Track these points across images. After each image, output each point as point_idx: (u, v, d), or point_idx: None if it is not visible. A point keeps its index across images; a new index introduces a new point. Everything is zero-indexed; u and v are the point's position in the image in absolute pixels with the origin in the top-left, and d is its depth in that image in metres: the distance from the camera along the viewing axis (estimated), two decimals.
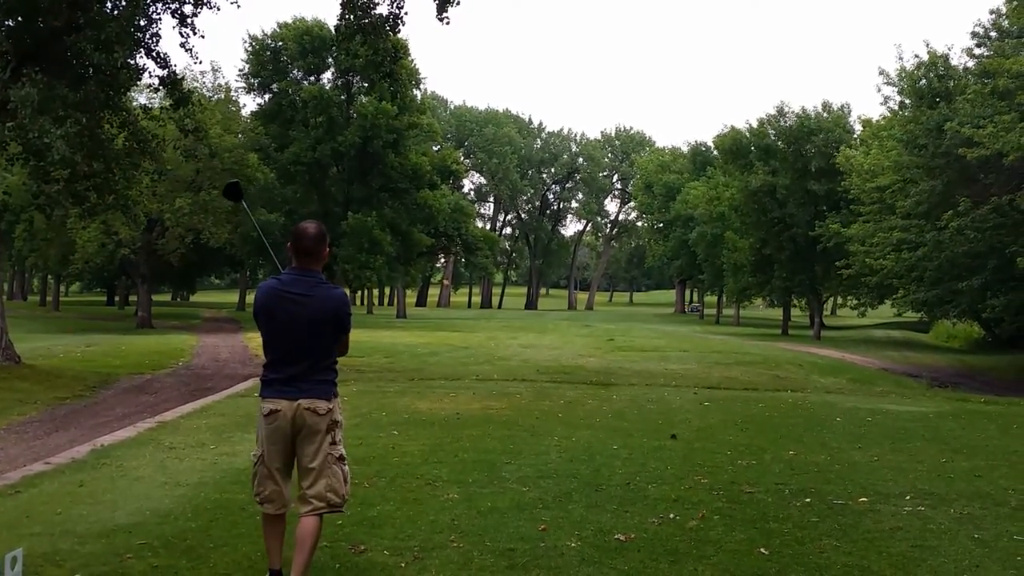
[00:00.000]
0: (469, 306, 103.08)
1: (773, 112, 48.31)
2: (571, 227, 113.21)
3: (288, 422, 4.83)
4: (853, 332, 54.85)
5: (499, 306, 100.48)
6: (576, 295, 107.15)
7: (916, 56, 32.17)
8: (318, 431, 4.87)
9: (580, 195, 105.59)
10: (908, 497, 7.36)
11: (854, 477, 8.10)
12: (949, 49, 39.26)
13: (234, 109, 47.93)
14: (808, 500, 7.10)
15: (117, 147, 19.01)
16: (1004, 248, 26.49)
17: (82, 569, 5.27)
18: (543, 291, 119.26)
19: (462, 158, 72.50)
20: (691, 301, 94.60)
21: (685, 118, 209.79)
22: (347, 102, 50.81)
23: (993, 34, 32.91)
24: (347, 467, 5.06)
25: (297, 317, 4.83)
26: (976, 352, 40.94)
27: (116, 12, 17.25)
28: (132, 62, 18.02)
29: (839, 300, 62.96)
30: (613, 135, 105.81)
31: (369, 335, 34.28)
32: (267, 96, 52.00)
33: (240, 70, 51.71)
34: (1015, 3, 29.87)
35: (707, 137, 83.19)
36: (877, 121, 40.86)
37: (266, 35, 51.49)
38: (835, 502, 7.11)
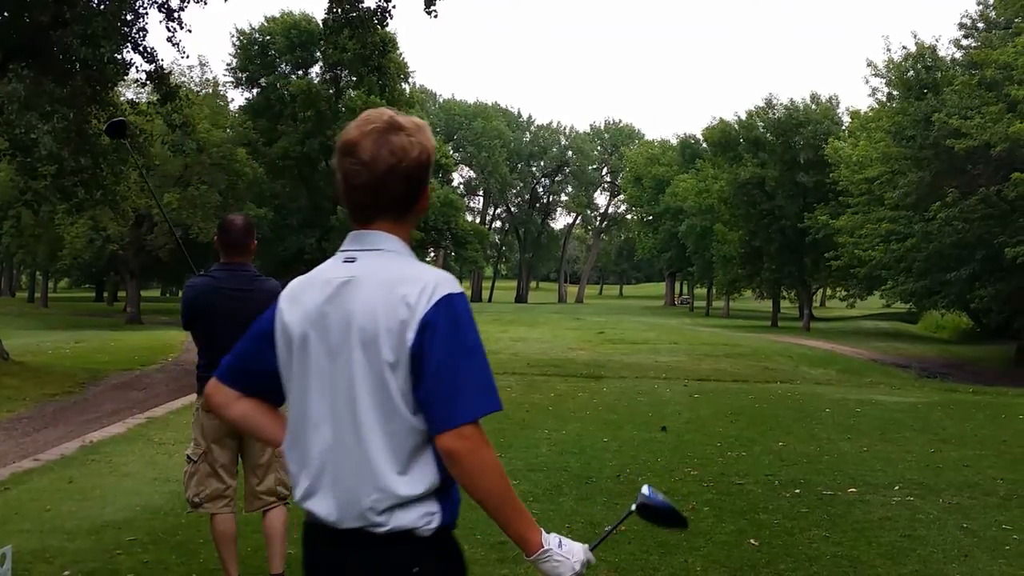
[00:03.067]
0: None
1: (762, 104, 48.46)
2: (561, 220, 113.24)
3: None
4: (842, 323, 55.00)
5: (489, 299, 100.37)
6: (566, 288, 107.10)
7: (904, 47, 32.25)
8: None
9: (570, 188, 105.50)
10: (897, 487, 7.39)
11: (843, 468, 8.13)
12: (936, 40, 39.42)
13: (222, 104, 47.84)
14: (798, 491, 7.12)
15: (104, 142, 18.95)
16: (992, 239, 26.57)
17: (72, 565, 5.27)
18: (533, 284, 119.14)
19: (451, 152, 72.47)
20: (681, 293, 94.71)
21: (674, 111, 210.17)
22: (335, 96, 50.69)
23: (980, 25, 33.01)
24: None
25: (237, 313, 4.61)
26: (964, 342, 41.08)
27: (103, 7, 17.18)
28: (119, 57, 17.95)
29: (828, 291, 63.11)
30: (602, 128, 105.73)
31: None
32: (255, 90, 51.90)
33: (228, 64, 51.69)
34: None
35: (696, 129, 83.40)
36: (865, 113, 40.94)
37: (254, 29, 51.40)
38: (824, 493, 7.13)
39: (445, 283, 2.00)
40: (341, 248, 2.13)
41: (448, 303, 1.97)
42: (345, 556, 2.03)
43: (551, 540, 2.05)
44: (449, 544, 2.09)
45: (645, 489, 2.33)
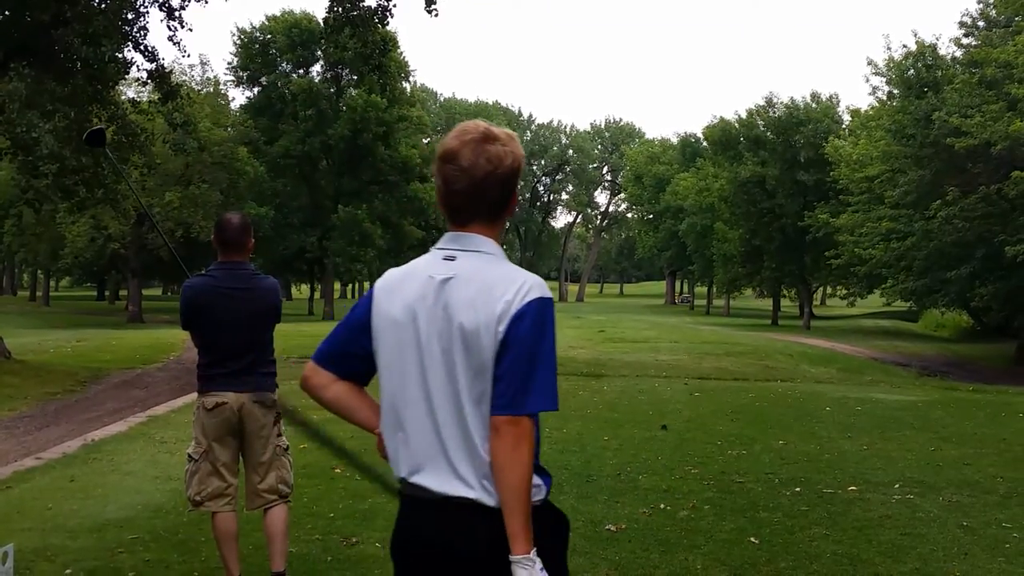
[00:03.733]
0: None
1: (762, 103, 48.47)
2: (561, 219, 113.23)
3: (235, 414, 4.73)
4: (842, 322, 54.98)
5: None
6: (567, 287, 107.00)
7: (904, 46, 32.24)
8: (266, 424, 4.80)
9: (570, 187, 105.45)
10: (897, 485, 7.40)
11: (843, 466, 8.14)
12: (937, 39, 39.57)
13: (223, 102, 47.87)
14: (798, 489, 7.13)
15: (107, 141, 18.96)
16: (992, 237, 26.57)
17: (73, 564, 5.28)
18: None
19: None
20: (681, 292, 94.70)
21: (675, 109, 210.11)
22: (336, 95, 50.71)
23: (981, 23, 32.98)
24: (291, 457, 5.03)
25: (237, 312, 4.71)
26: (965, 341, 41.07)
27: (104, 6, 17.18)
28: (120, 56, 17.92)
29: (828, 290, 63.15)
30: (603, 127, 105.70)
31: None
32: (256, 89, 51.92)
33: (229, 63, 51.71)
34: None
35: (696, 128, 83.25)
36: (865, 111, 40.92)
37: (255, 28, 51.40)
38: (825, 491, 7.14)
39: (537, 287, 2.23)
40: (438, 246, 2.36)
41: (539, 305, 2.20)
42: (459, 526, 2.22)
43: (536, 559, 2.16)
44: (554, 511, 2.35)
45: None
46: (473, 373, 2.20)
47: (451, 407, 2.22)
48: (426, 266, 2.33)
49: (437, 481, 2.23)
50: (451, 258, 2.30)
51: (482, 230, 2.33)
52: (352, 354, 2.43)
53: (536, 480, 2.23)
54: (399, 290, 2.34)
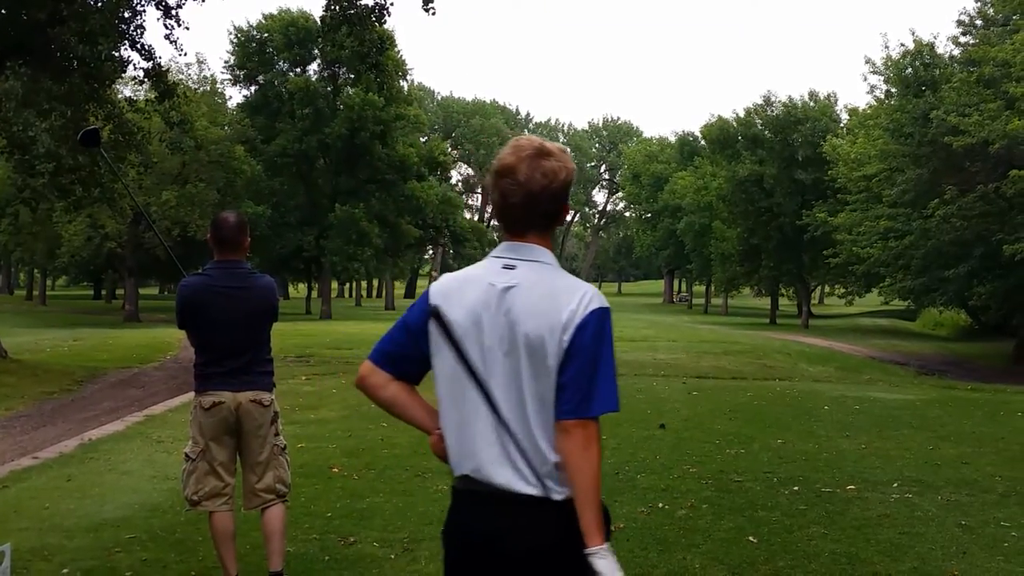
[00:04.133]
0: None
1: (760, 101, 48.44)
2: None
3: (232, 414, 4.72)
4: (840, 321, 55.01)
5: None
6: None
7: (902, 45, 32.22)
8: (263, 424, 4.80)
9: None
10: (895, 484, 7.40)
11: (842, 465, 8.14)
12: (935, 37, 39.61)
13: (220, 101, 47.81)
14: (796, 488, 7.13)
15: (102, 140, 18.90)
16: (990, 236, 26.59)
17: (70, 563, 5.27)
18: None
19: (449, 149, 72.36)
20: (679, 291, 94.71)
21: (673, 108, 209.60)
22: (333, 93, 50.60)
23: (979, 22, 33.01)
24: (289, 456, 5.03)
25: (234, 311, 4.71)
26: (963, 340, 41.12)
27: (100, 4, 17.16)
28: (116, 54, 17.91)
29: (826, 289, 63.17)
30: (601, 125, 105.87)
31: (357, 327, 34.20)
32: (253, 88, 51.79)
33: (225, 62, 51.49)
34: None
35: (694, 127, 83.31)
36: (863, 110, 40.96)
37: (251, 26, 51.26)
38: (823, 490, 7.14)
39: (597, 298, 2.40)
40: (496, 254, 2.51)
41: (600, 315, 2.37)
42: (518, 520, 2.37)
43: (611, 550, 2.33)
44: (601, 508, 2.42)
45: None
46: (536, 377, 2.34)
47: (515, 409, 2.37)
48: (485, 273, 2.48)
49: (499, 478, 2.37)
50: (511, 267, 2.44)
51: (537, 239, 2.48)
52: (408, 356, 2.56)
53: None
54: (459, 296, 2.47)
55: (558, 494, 2.35)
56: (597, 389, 2.33)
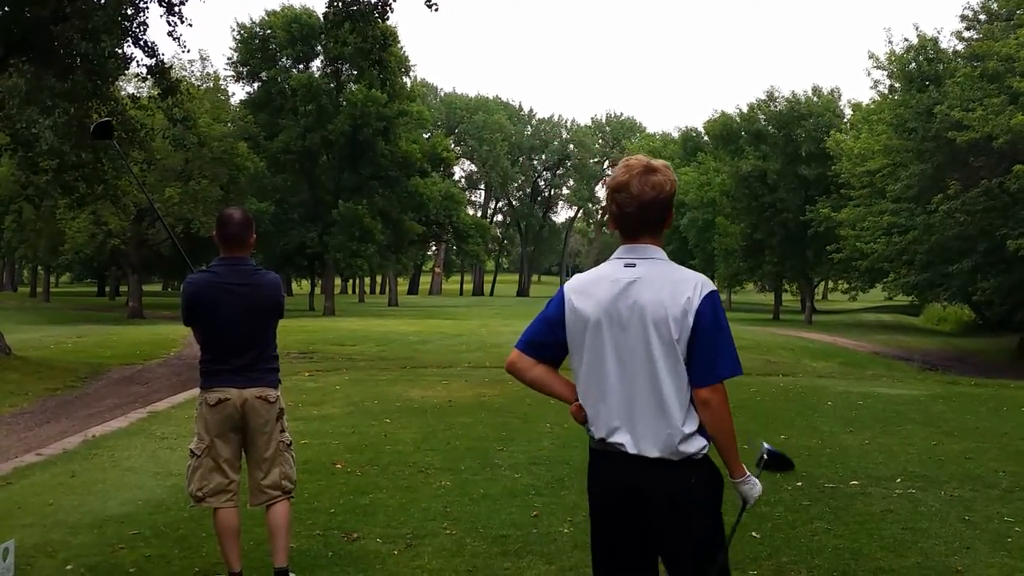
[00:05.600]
0: (461, 293, 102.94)
1: (763, 97, 48.37)
2: (562, 214, 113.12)
3: (237, 411, 4.72)
4: (844, 316, 54.98)
5: (491, 293, 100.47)
6: None
7: (905, 40, 32.18)
8: (269, 420, 4.80)
9: (571, 181, 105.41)
10: (899, 480, 7.39)
11: (845, 460, 8.13)
12: (938, 32, 39.27)
13: (223, 98, 47.75)
14: (799, 484, 7.12)
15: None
16: (994, 231, 26.54)
17: (74, 560, 5.27)
18: (535, 278, 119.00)
19: (452, 145, 72.25)
20: None
21: (676, 104, 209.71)
22: (336, 90, 50.61)
23: (982, 17, 32.89)
24: (294, 453, 5.03)
25: (240, 308, 4.71)
26: (966, 335, 41.07)
27: (103, 1, 17.13)
28: (120, 51, 17.89)
29: (830, 284, 63.16)
30: (604, 121, 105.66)
31: (361, 323, 34.24)
32: (256, 84, 51.81)
33: (228, 58, 51.52)
34: None
35: (697, 122, 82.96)
36: (867, 105, 40.93)
37: (254, 23, 51.29)
38: (826, 485, 7.13)
39: (707, 284, 2.94)
40: (617, 256, 3.04)
41: (712, 297, 2.92)
42: (646, 475, 2.93)
43: (750, 475, 3.14)
44: (712, 464, 3.04)
45: (766, 444, 3.37)
46: (666, 355, 2.87)
47: (648, 381, 2.91)
48: (610, 271, 3.02)
49: (632, 441, 2.93)
50: (632, 265, 2.98)
51: (650, 241, 3.02)
52: (548, 343, 3.11)
53: (701, 440, 2.96)
54: (591, 291, 3.02)
55: (678, 455, 2.91)
56: (720, 358, 2.89)
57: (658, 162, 3.03)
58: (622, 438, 2.94)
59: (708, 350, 2.87)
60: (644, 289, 2.92)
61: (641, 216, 2.98)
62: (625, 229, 3.03)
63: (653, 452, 2.90)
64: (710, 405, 2.90)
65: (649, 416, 2.91)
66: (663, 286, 2.91)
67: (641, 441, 2.91)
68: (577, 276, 3.15)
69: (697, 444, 2.94)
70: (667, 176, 3.00)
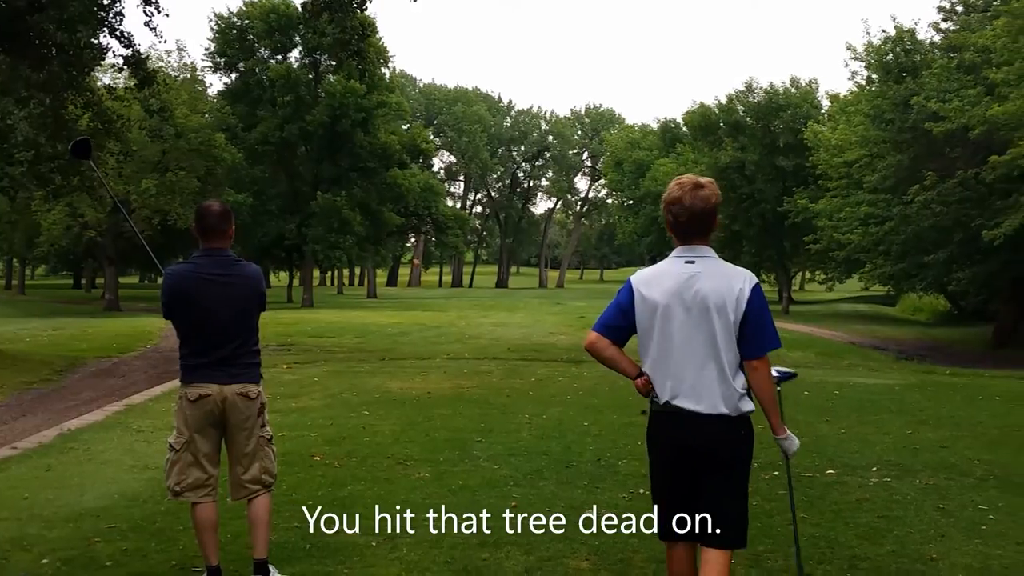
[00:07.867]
0: (440, 285, 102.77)
1: (742, 88, 48.29)
2: (541, 205, 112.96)
3: (218, 407, 4.70)
4: (821, 306, 55.22)
5: (470, 285, 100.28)
6: (547, 273, 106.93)
7: (883, 31, 32.23)
8: (250, 416, 4.79)
9: (550, 173, 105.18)
10: (875, 469, 7.45)
11: (821, 450, 8.19)
12: (916, 24, 39.26)
13: (200, 88, 47.36)
14: (776, 473, 7.16)
15: (81, 128, 18.72)
16: (970, 222, 26.67)
17: (50, 553, 5.25)
18: (514, 269, 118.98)
19: (431, 137, 71.97)
20: None
21: (654, 95, 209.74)
22: (315, 81, 50.36)
23: (959, 8, 33.05)
24: (274, 447, 5.02)
25: (221, 299, 4.70)
26: (942, 325, 41.31)
27: None
28: (96, 42, 17.71)
29: (807, 275, 63.40)
30: (583, 113, 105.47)
31: (339, 315, 34.18)
32: (234, 75, 51.48)
33: (206, 49, 51.15)
34: None
35: (676, 114, 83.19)
36: (844, 96, 40.96)
37: (232, 13, 50.89)
38: (803, 475, 7.18)
39: (752, 277, 3.73)
40: (676, 255, 3.83)
41: (757, 287, 3.71)
42: (705, 429, 3.66)
43: (789, 432, 4.01)
44: (752, 424, 3.76)
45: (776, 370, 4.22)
46: (724, 332, 3.63)
47: (710, 354, 3.64)
48: (672, 266, 3.79)
49: (695, 402, 3.66)
50: (691, 262, 3.75)
51: (702, 242, 3.81)
52: (620, 327, 3.84)
53: (750, 402, 3.72)
54: (657, 282, 3.77)
55: (736, 411, 3.66)
56: (766, 336, 3.69)
57: (705, 179, 3.83)
58: (685, 401, 3.66)
59: (757, 328, 3.65)
60: (704, 281, 3.67)
61: (693, 224, 3.77)
62: (680, 234, 3.82)
63: (719, 409, 3.63)
64: (759, 372, 3.69)
65: (712, 382, 3.64)
66: (720, 278, 3.68)
67: (704, 401, 3.64)
68: (641, 271, 3.90)
69: (749, 405, 3.70)
70: (712, 190, 3.80)
